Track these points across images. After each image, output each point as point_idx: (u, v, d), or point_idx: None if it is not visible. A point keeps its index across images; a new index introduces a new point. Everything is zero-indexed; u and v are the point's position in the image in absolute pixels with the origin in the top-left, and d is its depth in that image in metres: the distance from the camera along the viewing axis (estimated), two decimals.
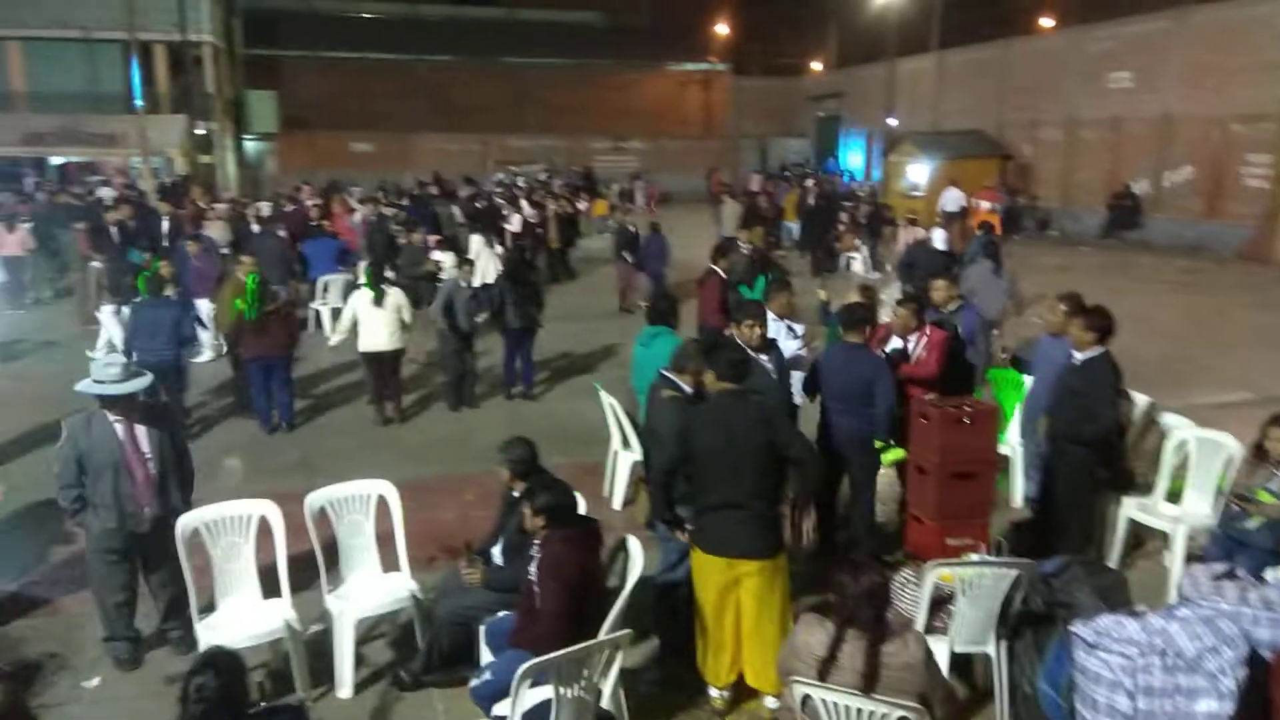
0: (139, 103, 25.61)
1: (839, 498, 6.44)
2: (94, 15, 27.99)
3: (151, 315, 8.67)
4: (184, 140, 28.59)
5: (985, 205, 23.08)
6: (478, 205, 19.92)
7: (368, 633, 5.33)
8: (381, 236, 15.06)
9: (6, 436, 8.80)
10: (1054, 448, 6.06)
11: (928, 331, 6.81)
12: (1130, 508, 6.27)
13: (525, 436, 5.10)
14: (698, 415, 4.65)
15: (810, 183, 27.66)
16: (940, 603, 4.66)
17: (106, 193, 22.81)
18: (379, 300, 9.15)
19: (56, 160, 30.01)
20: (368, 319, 9.19)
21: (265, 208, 18.69)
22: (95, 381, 4.92)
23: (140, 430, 5.00)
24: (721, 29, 45.34)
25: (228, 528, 4.96)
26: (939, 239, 11.59)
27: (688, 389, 5.10)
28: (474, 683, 4.28)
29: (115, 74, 28.65)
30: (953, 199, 23.49)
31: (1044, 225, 26.86)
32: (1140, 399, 6.87)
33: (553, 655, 3.78)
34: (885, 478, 6.55)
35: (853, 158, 39.18)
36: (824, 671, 3.43)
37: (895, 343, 6.94)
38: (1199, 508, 6.13)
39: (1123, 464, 6.40)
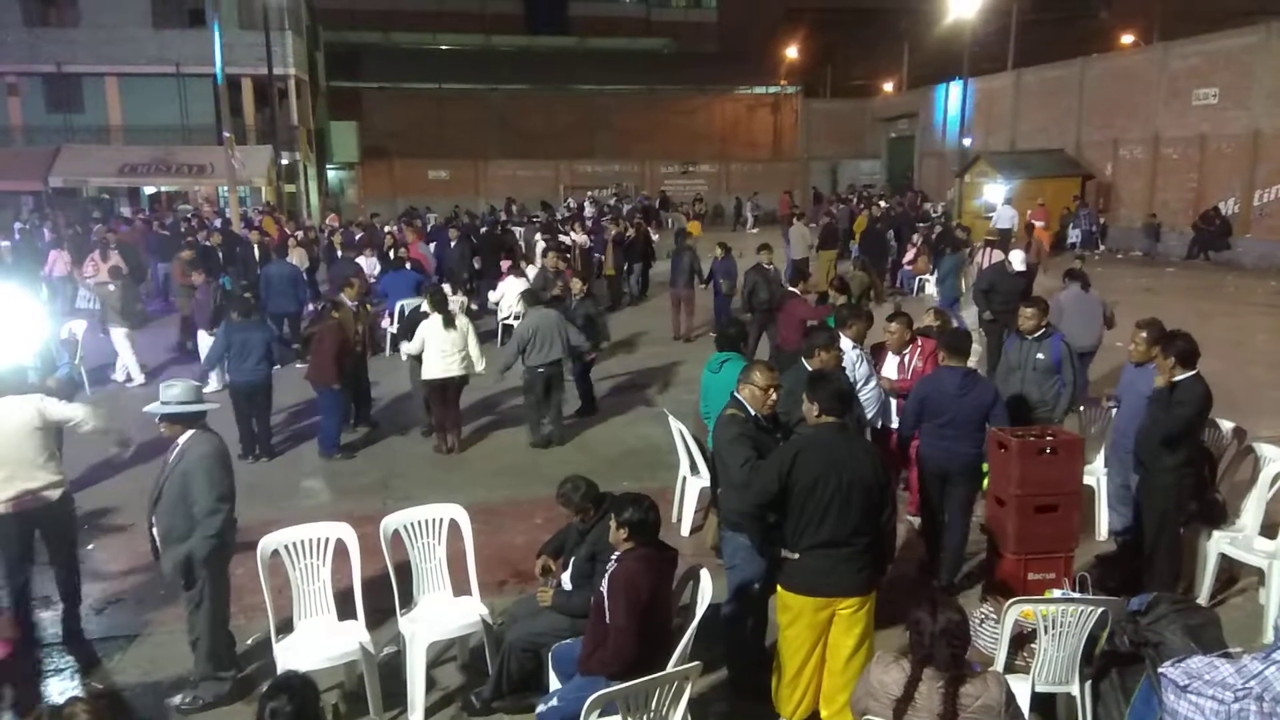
0: (227, 134, 26.65)
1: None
2: (185, 52, 29.40)
3: (243, 337, 8.95)
4: (269, 170, 29.65)
5: (1038, 224, 22.76)
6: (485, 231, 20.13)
7: (439, 656, 5.38)
8: (456, 260, 15.40)
9: (99, 457, 9.14)
10: (1141, 479, 5.86)
11: (919, 343, 7.10)
12: (1222, 542, 6.00)
13: (579, 475, 5.13)
14: (801, 449, 4.41)
15: (883, 204, 27.37)
16: (1022, 640, 4.51)
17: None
18: (447, 325, 9.20)
19: (149, 190, 31.35)
20: (434, 345, 9.21)
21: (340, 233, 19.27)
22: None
23: (172, 456, 4.98)
24: (791, 52, 45.37)
25: (306, 550, 5.07)
26: (1017, 260, 11.25)
27: (752, 410, 5.04)
28: (541, 709, 4.29)
29: (204, 107, 29.92)
30: (1006, 217, 23.37)
31: (1156, 238, 25.83)
32: (1225, 425, 6.59)
33: (621, 686, 3.77)
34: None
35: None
36: (900, 712, 3.33)
37: (891, 360, 6.98)
38: None
39: (1213, 496, 6.14)
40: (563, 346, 9.35)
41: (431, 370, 9.23)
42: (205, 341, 11.79)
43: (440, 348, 9.17)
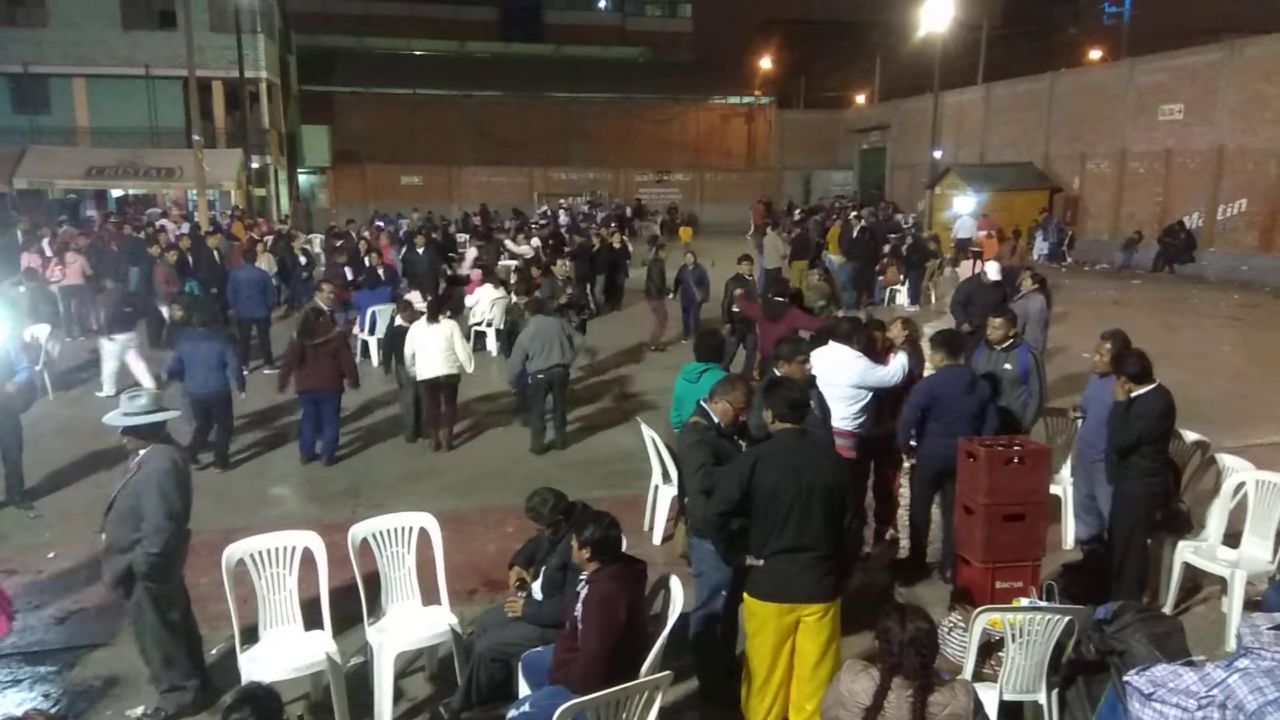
0: (196, 138, 26.39)
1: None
2: (155, 53, 29.06)
3: (193, 347, 8.75)
4: (239, 173, 29.35)
5: (981, 234, 23.22)
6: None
7: (407, 666, 5.33)
8: (426, 267, 15.34)
9: (62, 463, 9.01)
10: (1113, 489, 5.94)
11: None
12: (1186, 551, 6.08)
13: (547, 487, 5.12)
14: (761, 456, 4.44)
15: (855, 214, 27.56)
16: (989, 649, 4.54)
17: (167, 225, 23.41)
18: (430, 322, 9.37)
19: (116, 193, 30.92)
20: (423, 347, 9.35)
21: (317, 240, 19.12)
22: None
23: (131, 465, 4.91)
24: (765, 63, 45.66)
25: (273, 559, 5.00)
26: (993, 270, 11.34)
27: (716, 419, 5.04)
28: (512, 714, 4.25)
29: (174, 110, 29.59)
30: (965, 227, 23.83)
31: (1132, 246, 25.95)
32: (1188, 436, 6.69)
33: (592, 696, 3.75)
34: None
35: None
36: None
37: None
38: (1258, 552, 5.92)
39: (1178, 506, 6.22)
40: (562, 351, 9.46)
41: (421, 370, 9.41)
42: (107, 349, 11.56)
43: (426, 348, 9.32)
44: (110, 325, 11.68)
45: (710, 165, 44.42)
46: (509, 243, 20.16)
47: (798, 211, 33.04)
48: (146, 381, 11.36)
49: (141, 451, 4.87)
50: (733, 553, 4.54)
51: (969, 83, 34.23)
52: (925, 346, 7.89)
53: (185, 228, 22.16)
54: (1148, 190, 26.30)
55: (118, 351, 11.44)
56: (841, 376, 6.50)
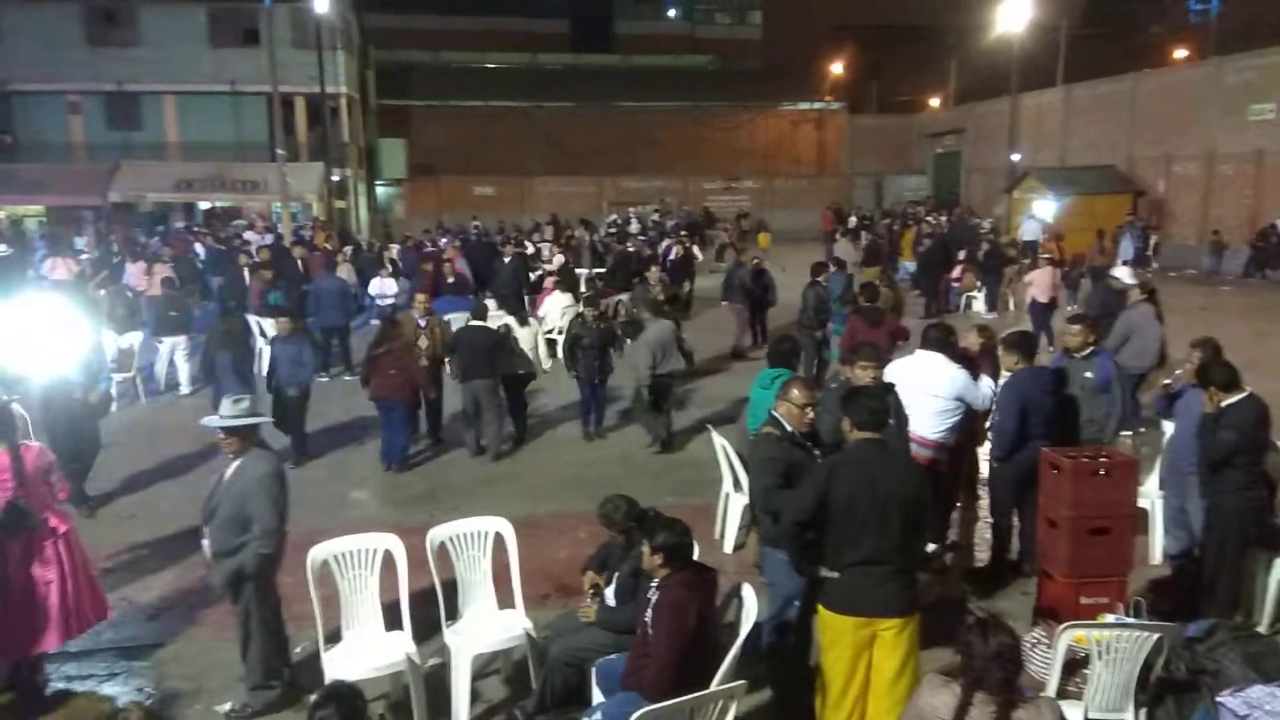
0: (280, 152, 27.21)
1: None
2: (240, 71, 30.09)
3: (288, 349, 9.34)
4: (321, 186, 30.18)
5: (1044, 236, 22.65)
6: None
7: (483, 668, 5.40)
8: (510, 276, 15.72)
9: (154, 465, 9.36)
10: (1207, 502, 5.74)
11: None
12: None
13: (619, 494, 5.18)
14: (837, 465, 4.37)
15: (931, 220, 27.12)
16: (1075, 666, 4.42)
17: (252, 236, 24.19)
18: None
19: (204, 205, 32.08)
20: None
21: (396, 250, 19.57)
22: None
23: (229, 472, 5.07)
24: (836, 69, 45.25)
25: (355, 561, 5.13)
26: (1125, 274, 10.86)
27: (789, 427, 4.97)
28: None
29: (258, 125, 30.57)
30: (1030, 230, 23.29)
31: (1219, 250, 24.88)
32: None
33: (665, 704, 3.76)
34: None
35: None
36: None
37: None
38: None
39: (1274, 521, 5.98)
40: (676, 358, 9.75)
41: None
42: (163, 349, 12.47)
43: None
44: (156, 328, 12.49)
45: (780, 172, 44.17)
46: (544, 254, 20.14)
47: (851, 220, 32.38)
48: (185, 384, 12.30)
49: (240, 458, 5.04)
50: (806, 562, 4.50)
51: (1047, 84, 33.43)
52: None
53: (269, 238, 22.88)
54: (1237, 193, 25.33)
55: (166, 353, 12.46)
56: (941, 387, 6.32)
